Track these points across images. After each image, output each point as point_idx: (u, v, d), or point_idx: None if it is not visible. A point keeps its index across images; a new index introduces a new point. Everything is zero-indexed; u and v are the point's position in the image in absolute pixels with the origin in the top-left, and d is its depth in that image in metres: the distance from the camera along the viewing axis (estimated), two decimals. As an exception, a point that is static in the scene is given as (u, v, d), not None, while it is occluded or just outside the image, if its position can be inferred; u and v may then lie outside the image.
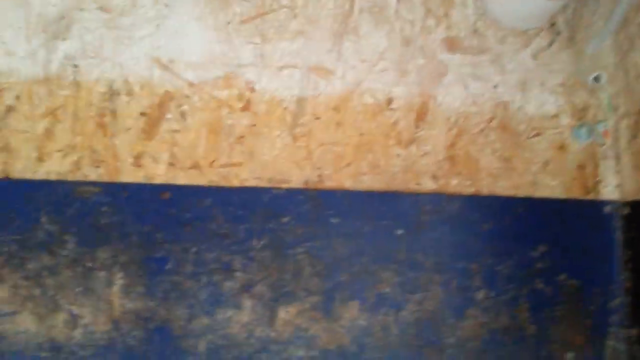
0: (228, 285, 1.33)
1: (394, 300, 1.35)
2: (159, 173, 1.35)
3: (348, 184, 1.39)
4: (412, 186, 1.41)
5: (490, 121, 1.46)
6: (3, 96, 1.33)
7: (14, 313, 1.29)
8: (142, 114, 1.36)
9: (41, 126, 1.34)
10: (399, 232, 1.37)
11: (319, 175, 1.38)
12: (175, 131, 1.37)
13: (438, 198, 1.40)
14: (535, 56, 1.51)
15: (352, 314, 1.34)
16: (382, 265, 1.35)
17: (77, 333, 1.30)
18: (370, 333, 1.34)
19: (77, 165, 1.33)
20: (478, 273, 1.38)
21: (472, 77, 1.48)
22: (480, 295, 1.37)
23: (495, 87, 1.48)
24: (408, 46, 1.47)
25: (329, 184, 1.38)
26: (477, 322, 1.37)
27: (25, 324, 1.29)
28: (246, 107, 1.40)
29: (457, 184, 1.42)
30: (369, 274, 1.35)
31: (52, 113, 1.34)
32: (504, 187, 1.44)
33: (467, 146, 1.44)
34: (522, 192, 1.45)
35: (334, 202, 1.36)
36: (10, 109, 1.33)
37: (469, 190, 1.43)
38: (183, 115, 1.37)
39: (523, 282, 1.39)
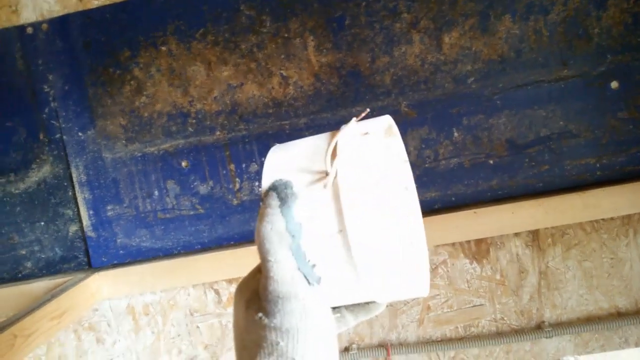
0: (397, 26, 1.62)
1: (540, 6, 1.57)
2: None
3: None
4: None
5: None
6: None
7: (241, 85, 1.69)
8: None
9: None
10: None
11: None
12: None
13: None
14: None
15: (506, 25, 1.59)
16: (525, -19, 1.56)
17: (290, 89, 1.68)
18: (525, 39, 1.59)
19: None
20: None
21: None
22: (618, -13, 1.55)
23: None
24: None
25: None
26: (618, 9, 1.56)
27: (251, 90, 1.69)
28: None
29: None
30: (515, -9, 1.57)
31: None
32: None
33: None
34: None
35: None
36: None
37: None
38: None
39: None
